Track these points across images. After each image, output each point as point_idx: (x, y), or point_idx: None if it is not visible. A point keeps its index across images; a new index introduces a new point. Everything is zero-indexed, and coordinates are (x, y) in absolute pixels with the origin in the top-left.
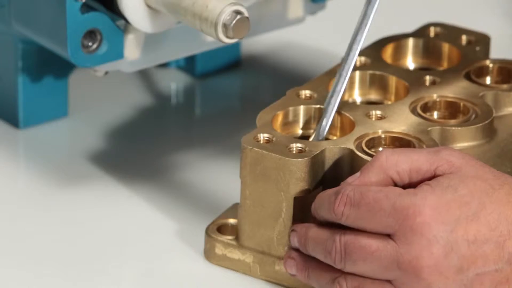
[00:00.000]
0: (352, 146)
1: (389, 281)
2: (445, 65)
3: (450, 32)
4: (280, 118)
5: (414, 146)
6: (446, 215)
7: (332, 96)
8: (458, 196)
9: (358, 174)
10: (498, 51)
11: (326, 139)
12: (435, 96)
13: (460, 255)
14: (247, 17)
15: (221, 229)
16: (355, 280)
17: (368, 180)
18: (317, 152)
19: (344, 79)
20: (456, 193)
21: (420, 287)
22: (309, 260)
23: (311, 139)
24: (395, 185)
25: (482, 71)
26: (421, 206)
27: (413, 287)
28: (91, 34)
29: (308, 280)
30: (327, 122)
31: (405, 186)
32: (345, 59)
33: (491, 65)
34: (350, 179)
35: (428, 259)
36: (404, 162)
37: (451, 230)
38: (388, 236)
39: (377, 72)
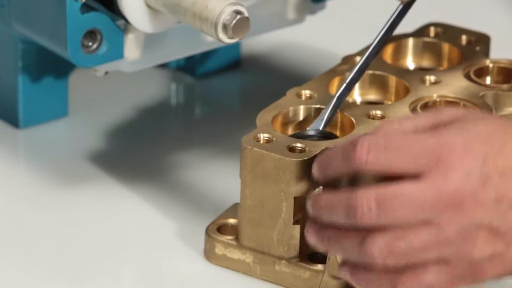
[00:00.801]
0: None
1: (423, 223)
2: (445, 65)
3: (450, 32)
4: (280, 118)
5: None
6: (475, 149)
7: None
8: (479, 131)
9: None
10: (498, 51)
11: (326, 132)
12: (435, 96)
13: (494, 186)
14: (247, 17)
15: (221, 229)
16: (387, 235)
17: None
18: (317, 152)
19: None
20: (476, 129)
21: (461, 221)
22: (325, 227)
23: (311, 126)
24: None
25: (482, 71)
26: (453, 143)
27: (453, 222)
28: (91, 34)
29: (330, 248)
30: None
31: None
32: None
33: (491, 65)
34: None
35: (469, 190)
36: (408, 122)
37: (483, 163)
38: (418, 177)
39: (377, 72)
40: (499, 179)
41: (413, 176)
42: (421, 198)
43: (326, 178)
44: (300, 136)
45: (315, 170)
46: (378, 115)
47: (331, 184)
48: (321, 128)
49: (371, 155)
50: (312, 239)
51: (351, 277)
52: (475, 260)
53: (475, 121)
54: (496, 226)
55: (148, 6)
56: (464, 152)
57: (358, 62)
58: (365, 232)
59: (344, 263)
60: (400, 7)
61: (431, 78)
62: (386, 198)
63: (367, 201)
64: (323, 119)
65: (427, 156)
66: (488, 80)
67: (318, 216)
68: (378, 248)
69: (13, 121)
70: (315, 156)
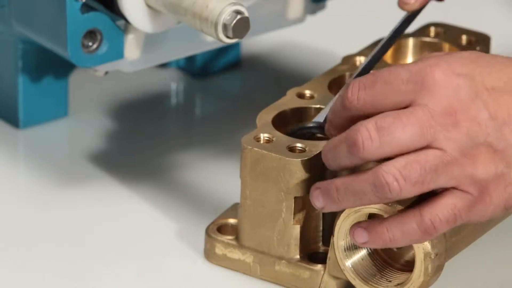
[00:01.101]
0: None
1: (426, 148)
2: None
3: (450, 32)
4: (280, 118)
5: None
6: (461, 68)
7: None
8: (463, 56)
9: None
10: (498, 51)
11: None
12: None
13: (484, 102)
14: (247, 17)
15: (221, 229)
16: (397, 162)
17: None
18: (317, 152)
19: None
20: (461, 55)
21: (459, 137)
22: (330, 182)
23: (316, 119)
24: None
25: None
26: (437, 64)
27: (452, 141)
28: (91, 34)
29: (341, 199)
30: None
31: None
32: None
33: None
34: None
35: (459, 105)
36: (397, 66)
37: (470, 79)
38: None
39: None
40: (488, 95)
41: (406, 106)
42: (419, 118)
43: (335, 130)
44: (300, 128)
45: (327, 129)
46: None
47: None
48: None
49: (361, 92)
50: (319, 199)
51: (381, 235)
52: (480, 180)
53: (459, 52)
54: (494, 143)
55: (148, 6)
56: (449, 70)
57: (361, 65)
58: (375, 167)
59: (368, 228)
60: (406, 16)
61: None
62: (387, 121)
63: (367, 129)
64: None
65: (413, 81)
66: None
67: (326, 162)
68: (392, 176)
69: (13, 121)
70: (315, 156)
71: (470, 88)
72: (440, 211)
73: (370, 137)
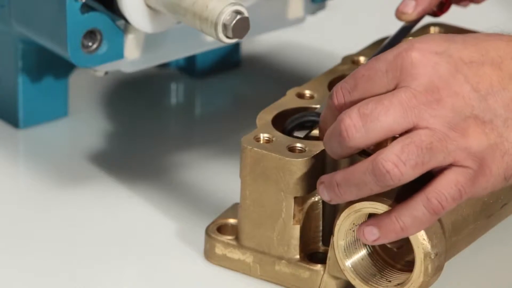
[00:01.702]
0: None
1: (415, 129)
2: None
3: (450, 32)
4: (280, 118)
5: None
6: (436, 46)
7: None
8: (436, 37)
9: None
10: None
11: None
12: None
13: (464, 75)
14: (247, 17)
15: (221, 229)
16: (393, 148)
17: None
18: (317, 152)
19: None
20: (434, 36)
21: (444, 112)
22: (332, 176)
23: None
24: None
25: None
26: (411, 47)
27: (440, 117)
28: (91, 34)
29: (344, 192)
30: None
31: None
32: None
33: None
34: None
35: (439, 81)
36: (373, 59)
37: (447, 55)
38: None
39: None
40: (468, 69)
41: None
42: (402, 101)
43: (333, 155)
44: (301, 116)
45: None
46: None
47: None
48: None
49: (346, 97)
50: (324, 194)
51: (391, 226)
52: (476, 152)
53: (431, 34)
54: (480, 115)
55: (148, 6)
56: (424, 50)
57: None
58: (372, 157)
59: (376, 223)
60: (403, 26)
61: None
62: (370, 107)
63: (350, 118)
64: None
65: (392, 69)
66: None
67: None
68: (391, 163)
69: (13, 121)
70: (315, 156)
71: (448, 64)
72: (445, 189)
73: (354, 125)
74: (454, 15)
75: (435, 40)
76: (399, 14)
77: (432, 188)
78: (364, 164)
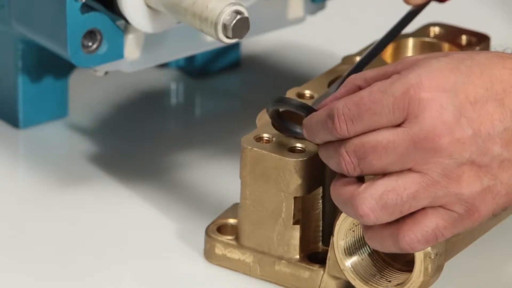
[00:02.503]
0: None
1: (406, 172)
2: None
3: (450, 32)
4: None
5: None
6: (443, 82)
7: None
8: (444, 63)
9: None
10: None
11: None
12: None
13: (468, 118)
14: (247, 17)
15: (221, 229)
16: (377, 188)
17: (338, 93)
18: (317, 152)
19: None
20: (439, 63)
21: (442, 160)
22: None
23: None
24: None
25: None
26: (418, 83)
27: (435, 163)
28: (91, 34)
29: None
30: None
31: None
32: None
33: None
34: (323, 103)
35: (442, 128)
36: (370, 72)
37: (454, 96)
38: (397, 126)
39: None
40: (472, 110)
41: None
42: (398, 147)
43: (318, 142)
44: (283, 100)
45: (307, 136)
46: None
47: None
48: None
49: (349, 125)
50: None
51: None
52: (467, 198)
53: (437, 58)
54: (477, 160)
55: (148, 6)
56: (433, 89)
57: (359, 60)
58: (356, 190)
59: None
60: (408, 12)
61: None
62: (364, 152)
63: (348, 156)
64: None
65: (398, 108)
66: None
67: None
68: (368, 208)
69: (13, 121)
70: (315, 156)
71: (454, 108)
72: (419, 232)
73: (351, 162)
74: (454, 15)
75: (442, 73)
76: None
77: (407, 226)
78: (344, 196)
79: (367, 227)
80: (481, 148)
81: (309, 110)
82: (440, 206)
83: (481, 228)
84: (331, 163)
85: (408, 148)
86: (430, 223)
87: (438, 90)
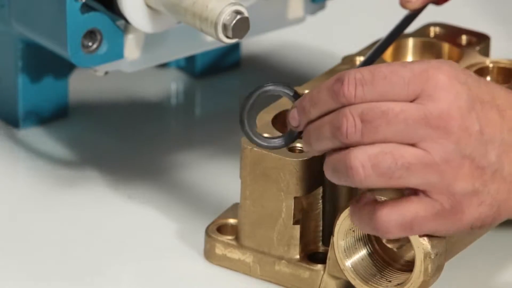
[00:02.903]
0: None
1: (409, 145)
2: None
3: (450, 32)
4: (280, 118)
5: None
6: (461, 75)
7: None
8: (457, 64)
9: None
10: (498, 52)
11: None
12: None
13: (477, 115)
14: (247, 17)
15: (221, 229)
16: (373, 149)
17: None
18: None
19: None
20: (454, 63)
21: (447, 145)
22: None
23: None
24: None
25: (482, 71)
26: (440, 67)
27: (440, 146)
28: (91, 34)
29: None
30: None
31: None
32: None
33: (491, 65)
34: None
35: (457, 112)
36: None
37: (468, 89)
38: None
39: None
40: (481, 109)
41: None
42: (409, 118)
43: (308, 119)
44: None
45: (295, 115)
46: None
47: None
48: None
49: (359, 89)
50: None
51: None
52: (457, 194)
53: (452, 62)
54: (477, 159)
55: (148, 6)
56: (452, 76)
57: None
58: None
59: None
60: (406, 15)
61: None
62: (375, 114)
63: (353, 117)
64: None
65: (415, 81)
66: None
67: (308, 142)
68: (360, 162)
69: (13, 121)
70: (315, 156)
71: (468, 98)
72: (397, 215)
73: (354, 125)
74: (454, 15)
75: (458, 69)
76: (403, 3)
77: (387, 207)
78: (341, 151)
79: (352, 205)
80: (482, 149)
81: (296, 93)
82: (427, 195)
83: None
84: (326, 130)
85: (419, 122)
86: (411, 210)
87: (456, 79)
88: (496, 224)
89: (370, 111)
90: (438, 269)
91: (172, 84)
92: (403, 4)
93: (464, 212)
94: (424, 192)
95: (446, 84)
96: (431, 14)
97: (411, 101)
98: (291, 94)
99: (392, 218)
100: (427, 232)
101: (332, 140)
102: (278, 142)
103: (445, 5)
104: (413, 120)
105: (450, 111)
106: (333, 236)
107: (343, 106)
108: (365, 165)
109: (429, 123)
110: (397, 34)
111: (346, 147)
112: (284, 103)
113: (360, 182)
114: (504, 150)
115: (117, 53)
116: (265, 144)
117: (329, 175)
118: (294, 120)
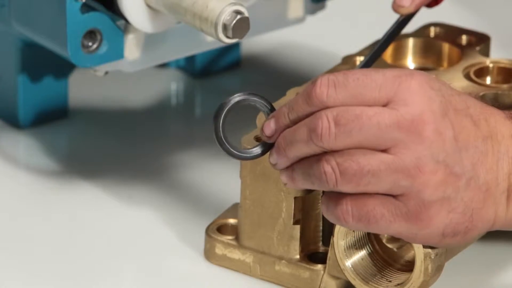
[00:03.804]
0: None
1: (381, 150)
2: (445, 65)
3: (450, 32)
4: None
5: None
6: (434, 83)
7: None
8: (430, 75)
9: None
10: (498, 51)
11: None
12: None
13: (451, 120)
14: (247, 17)
15: (221, 229)
16: (343, 155)
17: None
18: None
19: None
20: (429, 75)
21: (420, 150)
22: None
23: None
24: None
25: (482, 71)
26: (412, 74)
27: (413, 150)
28: (91, 34)
29: (294, 182)
30: None
31: None
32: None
33: (491, 65)
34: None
35: (430, 116)
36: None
37: (441, 96)
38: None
39: None
40: (455, 116)
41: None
42: (382, 123)
43: (284, 126)
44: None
45: (271, 124)
46: None
47: None
48: None
49: (331, 90)
50: (283, 178)
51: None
52: (425, 200)
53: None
54: (451, 165)
55: (148, 6)
56: (424, 81)
57: (358, 65)
58: (325, 154)
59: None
60: (400, 19)
61: None
62: (349, 117)
63: (328, 120)
64: None
65: (387, 85)
66: (488, 80)
67: (281, 150)
68: (330, 167)
69: (13, 121)
70: None
71: (441, 104)
72: (355, 208)
73: (328, 127)
74: (454, 15)
75: (431, 77)
76: (396, 7)
77: (350, 197)
78: (315, 158)
79: (326, 194)
80: (456, 155)
81: (271, 105)
82: (394, 197)
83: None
84: (301, 132)
85: (391, 127)
86: (369, 204)
87: (428, 85)
88: (473, 234)
89: (345, 113)
90: (438, 269)
91: (172, 84)
92: (395, 9)
93: (432, 218)
94: (394, 195)
95: (419, 89)
96: (431, 14)
97: (384, 105)
98: (266, 105)
99: (352, 209)
100: (391, 233)
101: (307, 143)
102: (255, 151)
103: (446, 5)
104: (386, 124)
105: (423, 115)
106: (333, 236)
107: (319, 109)
108: (335, 171)
109: (401, 127)
110: (391, 39)
111: (319, 153)
112: (284, 103)
113: (334, 187)
114: (479, 159)
115: (117, 53)
116: (244, 155)
117: (300, 182)
118: (269, 129)
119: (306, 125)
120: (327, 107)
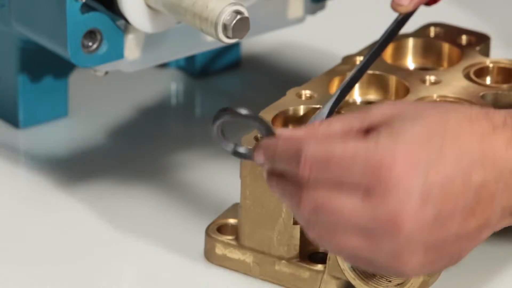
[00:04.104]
0: None
1: (358, 233)
2: (445, 65)
3: (450, 32)
4: (280, 118)
5: None
6: (416, 161)
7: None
8: (415, 135)
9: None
10: (498, 51)
11: None
12: (435, 96)
13: (434, 202)
14: (247, 17)
15: (221, 229)
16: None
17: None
18: None
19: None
20: (413, 132)
21: (397, 242)
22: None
23: (310, 121)
24: None
25: (482, 71)
26: (392, 157)
27: (388, 243)
28: (91, 34)
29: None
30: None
31: None
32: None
33: (491, 65)
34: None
35: (407, 212)
36: (335, 124)
37: (425, 177)
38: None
39: (377, 72)
40: (440, 191)
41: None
42: (358, 218)
43: (272, 166)
44: (232, 111)
45: (261, 156)
46: (432, 80)
47: None
48: None
49: (313, 172)
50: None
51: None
52: (404, 273)
53: (411, 121)
54: (431, 243)
55: (148, 6)
56: (405, 167)
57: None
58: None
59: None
60: (399, 18)
61: (431, 78)
62: (324, 213)
63: (307, 209)
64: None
65: (369, 176)
66: (488, 80)
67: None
68: (303, 221)
69: (13, 121)
70: None
71: (423, 191)
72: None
73: (308, 217)
74: (454, 15)
75: (423, 135)
76: (395, 6)
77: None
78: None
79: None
80: (438, 232)
81: (268, 128)
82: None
83: None
84: (284, 200)
85: (369, 223)
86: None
87: (410, 169)
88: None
89: (323, 208)
90: None
91: (172, 84)
92: (394, 8)
93: (404, 269)
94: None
95: (399, 182)
96: (431, 14)
97: (364, 190)
98: (265, 130)
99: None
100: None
101: (285, 195)
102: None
103: (446, 5)
104: (364, 221)
105: (400, 212)
106: None
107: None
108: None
109: (378, 224)
110: (392, 36)
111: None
112: (284, 103)
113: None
114: (467, 214)
115: (117, 53)
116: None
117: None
118: (260, 159)
119: (288, 196)
120: (308, 185)
